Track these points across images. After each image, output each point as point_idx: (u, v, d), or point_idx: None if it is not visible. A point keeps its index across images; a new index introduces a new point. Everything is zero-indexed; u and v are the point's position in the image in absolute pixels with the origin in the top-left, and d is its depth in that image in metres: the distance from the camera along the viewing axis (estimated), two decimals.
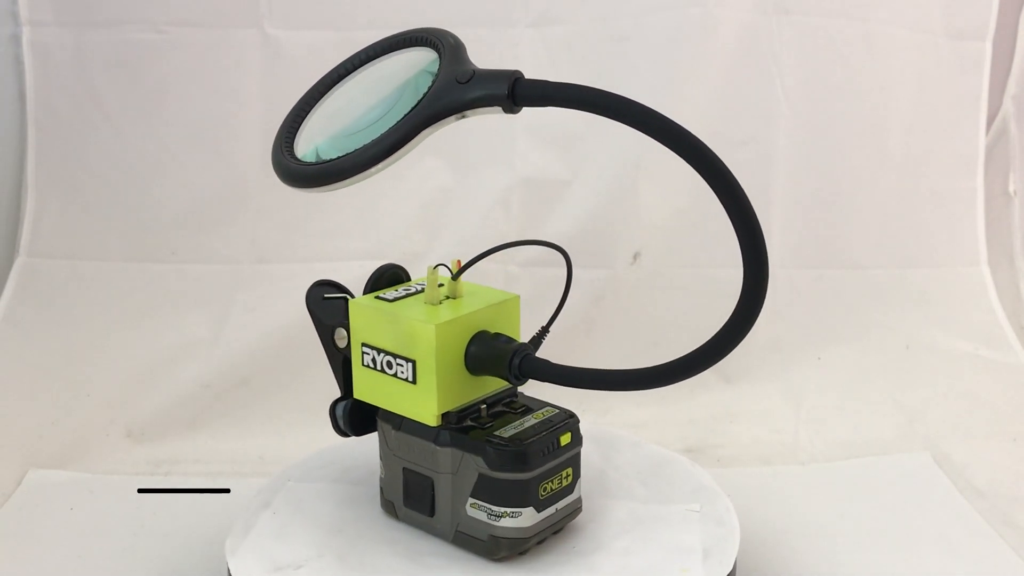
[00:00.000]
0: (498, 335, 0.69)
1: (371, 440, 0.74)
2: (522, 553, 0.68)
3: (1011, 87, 1.25)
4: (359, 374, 0.70)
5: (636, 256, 1.15)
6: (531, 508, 0.66)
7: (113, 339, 1.09)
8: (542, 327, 0.71)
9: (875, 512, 0.90)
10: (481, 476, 0.66)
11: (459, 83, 0.61)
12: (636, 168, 1.14)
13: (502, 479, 0.65)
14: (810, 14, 1.14)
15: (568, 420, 0.69)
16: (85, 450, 1.00)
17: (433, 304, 0.69)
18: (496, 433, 0.67)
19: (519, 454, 0.65)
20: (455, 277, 0.70)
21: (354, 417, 0.73)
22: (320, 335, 0.73)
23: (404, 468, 0.70)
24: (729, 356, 1.25)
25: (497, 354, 0.67)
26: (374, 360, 0.69)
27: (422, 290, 0.71)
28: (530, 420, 0.69)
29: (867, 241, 1.19)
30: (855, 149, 1.18)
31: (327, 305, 0.73)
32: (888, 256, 1.19)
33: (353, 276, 1.13)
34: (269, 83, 1.12)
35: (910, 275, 1.19)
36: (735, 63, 1.13)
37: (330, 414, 0.73)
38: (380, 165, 0.61)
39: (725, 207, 0.59)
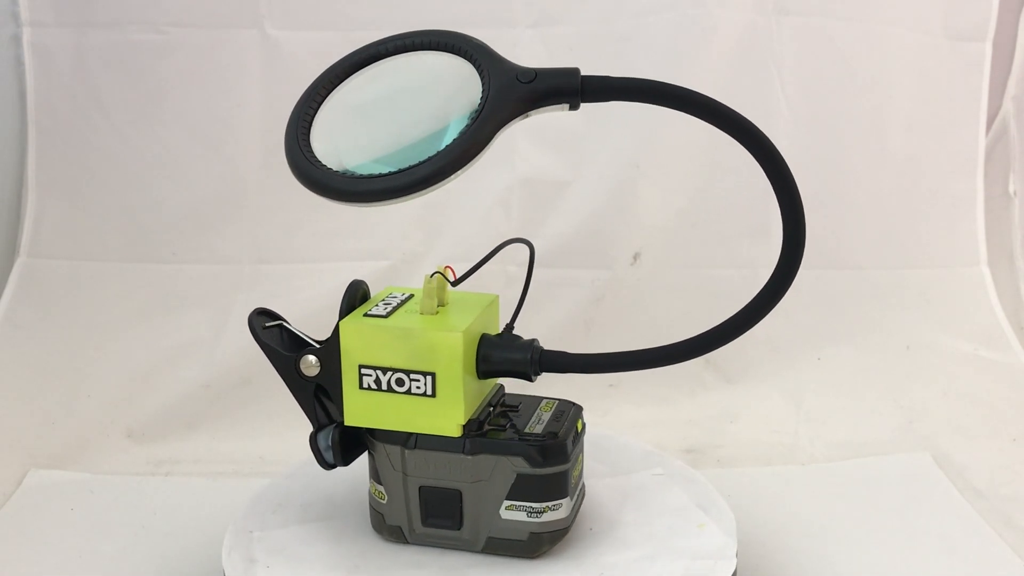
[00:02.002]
0: (501, 335, 0.69)
1: (311, 475, 0.71)
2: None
3: (1011, 88, 1.25)
4: (355, 399, 0.66)
5: (636, 256, 1.15)
6: (567, 498, 0.67)
7: (113, 339, 1.09)
8: (507, 324, 0.70)
9: (875, 512, 0.90)
10: (520, 476, 0.65)
11: (522, 82, 0.60)
12: (636, 168, 1.14)
13: (544, 474, 0.65)
14: (810, 14, 1.14)
15: (575, 407, 0.70)
16: (85, 450, 1.00)
17: (431, 314, 0.67)
18: (526, 431, 0.66)
19: (560, 446, 0.66)
20: (455, 284, 0.69)
21: (342, 446, 0.68)
22: (279, 367, 0.68)
23: (421, 487, 0.67)
24: (730, 356, 1.25)
25: (516, 355, 0.67)
26: (378, 380, 0.65)
27: (404, 301, 0.69)
28: (544, 414, 0.69)
29: (867, 241, 1.19)
30: (855, 149, 1.18)
31: (272, 335, 0.68)
32: (888, 256, 1.19)
33: (353, 276, 1.13)
34: (269, 83, 1.12)
35: (910, 275, 1.19)
36: (735, 63, 1.13)
37: (312, 447, 0.68)
38: (459, 172, 0.59)
39: (778, 192, 0.63)
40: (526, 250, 0.70)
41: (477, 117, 0.59)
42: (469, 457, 0.65)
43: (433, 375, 0.64)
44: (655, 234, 1.15)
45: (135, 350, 1.08)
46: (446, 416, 0.65)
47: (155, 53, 1.10)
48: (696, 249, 1.15)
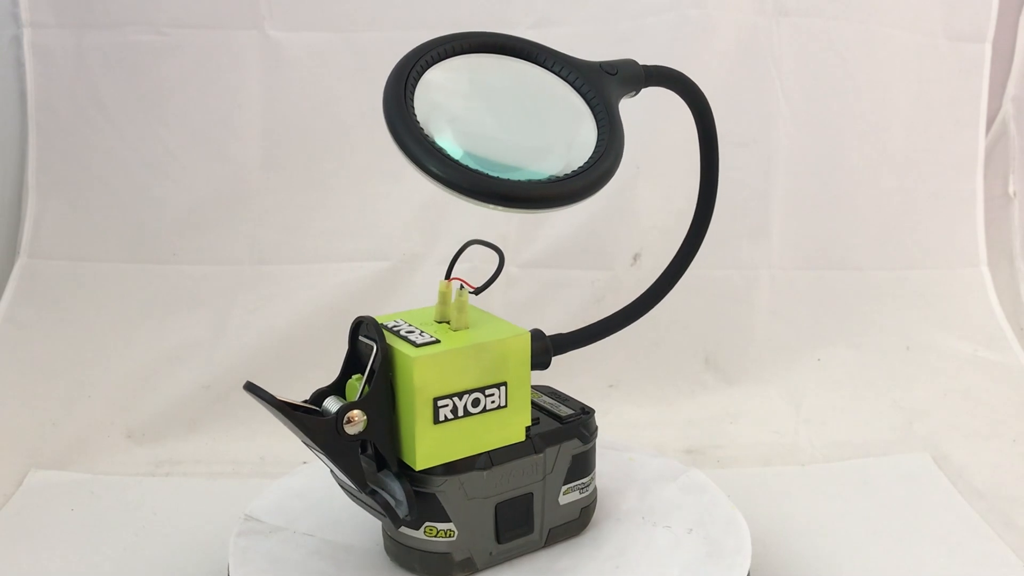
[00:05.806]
0: None
1: (260, 558, 0.67)
2: None
3: (1011, 88, 1.25)
4: (429, 437, 0.61)
5: (636, 257, 1.15)
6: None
7: (113, 339, 1.09)
8: None
9: (875, 512, 0.90)
10: (575, 457, 0.67)
11: (609, 74, 0.63)
12: (636, 169, 1.14)
13: (589, 449, 0.68)
14: (809, 15, 1.14)
15: (551, 388, 0.74)
16: (85, 451, 1.00)
17: (464, 328, 0.65)
18: (560, 415, 0.68)
19: (593, 419, 0.69)
20: (478, 292, 0.67)
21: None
22: (317, 435, 0.59)
23: (497, 504, 0.65)
24: (730, 357, 1.24)
25: (543, 344, 0.69)
26: (454, 409, 0.62)
27: (413, 326, 0.65)
28: (545, 398, 0.71)
29: (867, 242, 1.19)
30: (855, 150, 1.18)
31: (274, 401, 0.60)
32: (888, 257, 1.19)
33: (353, 276, 1.14)
34: (269, 84, 1.12)
35: (910, 276, 1.19)
36: (735, 65, 1.13)
37: (386, 510, 0.61)
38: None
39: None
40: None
41: (605, 114, 0.61)
42: (540, 455, 0.66)
43: (505, 384, 0.64)
44: (655, 234, 1.15)
45: (135, 350, 1.08)
46: (514, 423, 0.65)
47: (155, 54, 1.10)
48: None
